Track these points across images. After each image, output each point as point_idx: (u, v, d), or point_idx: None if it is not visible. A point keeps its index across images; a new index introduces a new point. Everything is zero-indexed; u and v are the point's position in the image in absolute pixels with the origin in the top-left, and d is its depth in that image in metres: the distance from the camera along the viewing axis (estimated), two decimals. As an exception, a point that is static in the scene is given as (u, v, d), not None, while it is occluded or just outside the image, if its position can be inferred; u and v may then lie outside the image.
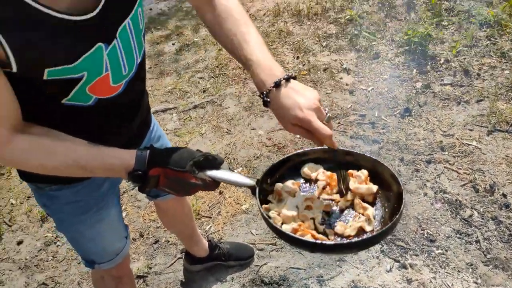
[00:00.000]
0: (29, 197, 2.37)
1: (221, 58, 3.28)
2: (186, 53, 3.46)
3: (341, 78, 2.89)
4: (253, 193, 0.79)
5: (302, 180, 0.87)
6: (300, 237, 0.71)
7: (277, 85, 0.76)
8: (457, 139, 2.31)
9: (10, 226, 2.23)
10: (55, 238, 2.13)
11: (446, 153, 2.24)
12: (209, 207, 2.14)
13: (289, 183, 0.83)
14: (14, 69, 0.68)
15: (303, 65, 3.05)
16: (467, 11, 3.12)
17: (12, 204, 2.36)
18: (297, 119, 0.74)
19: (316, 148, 0.85)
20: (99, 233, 1.13)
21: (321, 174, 0.85)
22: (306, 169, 0.87)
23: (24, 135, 0.75)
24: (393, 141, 2.36)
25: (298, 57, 3.15)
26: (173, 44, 3.61)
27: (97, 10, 0.73)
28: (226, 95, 2.89)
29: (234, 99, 2.85)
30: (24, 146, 0.75)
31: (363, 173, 0.82)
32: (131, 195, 2.28)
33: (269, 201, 0.82)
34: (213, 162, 0.79)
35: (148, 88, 3.12)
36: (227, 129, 2.62)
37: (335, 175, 0.83)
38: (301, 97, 0.75)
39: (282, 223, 0.76)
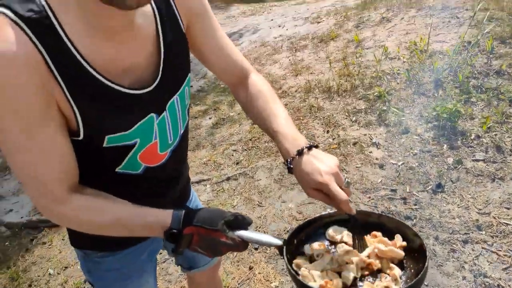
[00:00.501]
0: (66, 267, 2.46)
1: (254, 131, 3.44)
2: (221, 127, 3.67)
3: (370, 152, 2.94)
4: (281, 252, 0.82)
5: (327, 242, 0.90)
6: None
7: (300, 153, 0.83)
8: (494, 217, 2.24)
9: (46, 294, 2.30)
10: (87, 308, 2.17)
11: (484, 232, 2.16)
12: (238, 284, 2.13)
13: (315, 244, 0.86)
14: (81, 136, 0.78)
15: (333, 139, 3.15)
16: (496, 88, 3.17)
17: (50, 274, 2.44)
18: (317, 184, 0.79)
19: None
20: None
21: (345, 236, 0.88)
22: (331, 231, 0.90)
23: (78, 194, 0.82)
24: (426, 218, 2.32)
25: (328, 131, 3.26)
26: (209, 118, 3.85)
27: (153, 86, 0.84)
28: (258, 167, 2.99)
29: (266, 172, 2.94)
30: (77, 204, 0.82)
31: (398, 238, 0.85)
32: (162, 268, 2.32)
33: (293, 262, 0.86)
34: (243, 222, 0.84)
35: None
36: (258, 201, 2.68)
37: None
38: (321, 163, 0.81)
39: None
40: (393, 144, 2.98)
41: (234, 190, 2.84)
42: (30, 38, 0.66)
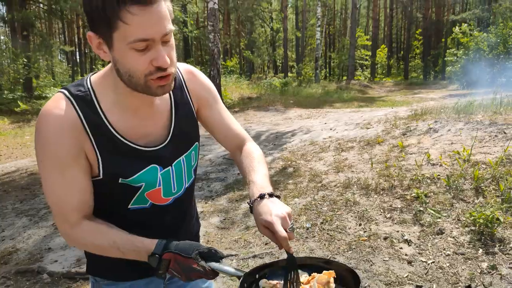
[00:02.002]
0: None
1: (288, 217, 3.56)
2: (258, 210, 3.84)
3: (401, 248, 2.90)
4: (241, 283, 0.96)
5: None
6: None
7: (261, 197, 1.00)
8: (528, 329, 2.06)
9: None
10: None
11: None
12: None
13: (262, 281, 0.98)
14: (101, 176, 1.04)
15: (364, 232, 3.16)
16: (540, 201, 3.08)
17: (75, 318, 2.59)
18: (266, 222, 0.95)
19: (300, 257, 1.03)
20: None
21: (302, 277, 0.99)
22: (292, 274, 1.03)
23: (88, 221, 1.05)
24: (451, 320, 2.19)
25: (360, 224, 3.29)
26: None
27: (159, 146, 1.10)
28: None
29: (292, 254, 2.99)
30: (85, 229, 1.04)
31: (331, 273, 0.96)
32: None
33: None
34: (215, 255, 1.00)
35: (218, 235, 3.46)
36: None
37: (315, 276, 0.97)
38: (274, 207, 0.97)
39: None
40: (426, 243, 2.92)
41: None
42: (75, 108, 0.99)
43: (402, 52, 37.91)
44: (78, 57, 31.13)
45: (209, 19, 10.41)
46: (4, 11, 19.14)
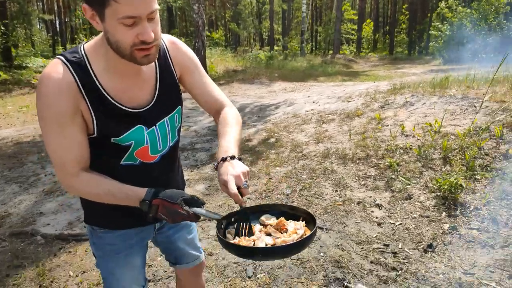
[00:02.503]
0: (84, 272, 2.78)
1: (269, 184, 3.78)
2: (242, 178, 4.05)
3: (372, 212, 3.16)
4: (217, 223, 1.16)
5: (258, 225, 1.24)
6: (239, 244, 1.07)
7: (223, 159, 1.18)
8: (477, 278, 2.34)
9: (62, 292, 2.61)
10: (93, 307, 2.44)
11: (463, 289, 2.26)
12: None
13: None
14: (95, 135, 1.19)
15: (340, 197, 3.40)
16: (500, 169, 3.35)
17: (69, 275, 2.77)
18: (222, 181, 1.13)
19: (266, 204, 1.29)
20: (123, 273, 1.46)
21: (271, 220, 1.20)
22: (263, 217, 1.23)
23: (85, 173, 1.21)
24: (411, 272, 2.46)
25: (336, 191, 3.53)
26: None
27: (144, 109, 1.25)
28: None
29: (272, 217, 3.22)
30: (83, 179, 1.20)
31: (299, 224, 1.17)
32: (164, 283, 2.59)
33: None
34: (197, 201, 1.18)
35: (207, 200, 3.66)
36: (260, 240, 2.93)
37: (281, 220, 1.18)
38: (231, 168, 1.14)
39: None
40: (395, 207, 3.18)
41: (241, 229, 3.12)
42: (71, 72, 1.13)
43: (388, 27, 37.90)
44: (58, 26, 30.12)
45: (194, -10, 10.27)
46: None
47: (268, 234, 1.17)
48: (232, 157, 1.18)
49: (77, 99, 1.13)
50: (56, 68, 1.11)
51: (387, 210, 3.16)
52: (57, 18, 29.44)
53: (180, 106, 1.37)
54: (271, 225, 1.20)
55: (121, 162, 1.28)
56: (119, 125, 1.20)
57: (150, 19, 1.06)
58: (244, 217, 1.19)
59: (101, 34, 1.15)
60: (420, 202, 3.20)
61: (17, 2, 17.29)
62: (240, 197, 1.10)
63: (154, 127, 1.28)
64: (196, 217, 1.17)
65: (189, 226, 1.61)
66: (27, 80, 13.90)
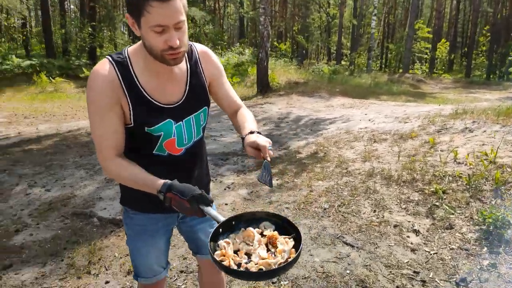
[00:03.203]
0: (127, 255, 3.07)
1: (309, 197, 3.86)
2: (283, 188, 4.16)
3: (408, 237, 3.10)
4: (217, 227, 1.28)
5: (256, 230, 1.32)
6: (222, 263, 1.16)
7: (251, 133, 1.39)
8: (508, 319, 2.23)
9: (107, 269, 2.91)
10: (130, 286, 2.70)
11: (490, 327, 2.17)
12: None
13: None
14: (132, 124, 1.39)
15: (377, 218, 3.38)
16: (557, 209, 3.12)
17: (115, 256, 3.09)
18: (252, 142, 1.32)
19: (261, 211, 1.37)
20: (148, 252, 1.65)
21: (268, 231, 1.30)
22: (262, 224, 1.33)
23: (119, 158, 1.41)
24: (437, 302, 2.40)
25: (375, 211, 3.51)
26: (276, 180, 4.38)
27: (174, 105, 1.45)
28: (300, 224, 3.36)
29: (305, 229, 3.29)
30: (116, 162, 1.40)
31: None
32: (195, 275, 2.78)
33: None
34: (206, 199, 1.31)
35: (243, 205, 3.83)
36: (290, 249, 3.03)
37: (274, 235, 1.27)
38: (258, 137, 1.34)
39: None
40: (433, 235, 3.10)
41: (274, 236, 3.24)
42: (115, 70, 1.35)
43: (466, 48, 35.75)
44: (139, 29, 32.38)
45: (261, 2, 10.63)
46: (76, -18, 20.42)
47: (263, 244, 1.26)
48: (258, 132, 1.40)
49: (118, 93, 1.35)
50: (103, 66, 1.35)
51: (424, 237, 3.09)
52: (139, 22, 31.69)
53: (206, 107, 1.56)
54: (264, 236, 1.29)
55: (153, 152, 1.47)
56: (151, 117, 1.40)
57: (177, 28, 1.25)
58: (267, 170, 1.34)
59: (141, 40, 1.37)
60: (462, 233, 3.08)
61: (105, 7, 19.07)
62: (266, 149, 1.29)
63: (181, 122, 1.47)
64: (202, 213, 1.30)
65: (211, 219, 1.77)
66: (106, 78, 15.18)
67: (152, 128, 1.41)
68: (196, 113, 1.52)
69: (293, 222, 1.33)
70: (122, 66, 1.36)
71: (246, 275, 1.20)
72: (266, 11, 10.46)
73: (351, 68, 23.09)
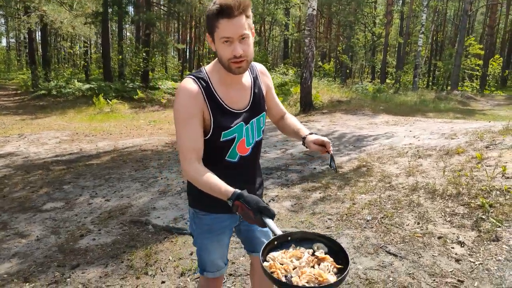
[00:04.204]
0: (180, 258, 3.33)
1: (352, 209, 3.95)
2: (326, 201, 4.28)
3: (452, 248, 3.11)
4: (272, 239, 1.41)
5: (309, 250, 1.40)
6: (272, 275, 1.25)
7: (310, 134, 1.72)
8: (556, 329, 2.21)
9: (162, 271, 3.18)
10: (184, 286, 2.94)
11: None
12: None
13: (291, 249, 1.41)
14: (208, 135, 1.65)
15: (421, 230, 3.41)
16: None
17: (169, 259, 3.35)
18: (316, 140, 1.69)
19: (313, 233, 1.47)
20: (214, 248, 1.86)
21: (319, 252, 1.37)
22: (315, 246, 1.41)
23: (197, 163, 1.64)
24: (482, 310, 2.41)
25: (418, 223, 3.54)
26: (319, 193, 4.51)
27: (244, 110, 1.71)
28: (343, 234, 3.46)
29: (348, 238, 3.39)
30: (195, 167, 1.64)
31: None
32: (243, 279, 2.97)
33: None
34: (268, 211, 1.46)
35: (287, 216, 3.99)
36: (333, 257, 3.14)
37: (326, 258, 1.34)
38: (318, 135, 1.66)
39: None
40: (479, 247, 3.09)
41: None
42: (198, 85, 1.62)
43: (521, 63, 33.92)
44: (188, 54, 34.14)
45: (306, 25, 10.94)
46: (132, 13, 22.04)
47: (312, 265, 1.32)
48: (315, 133, 1.75)
49: (201, 104, 1.62)
50: (188, 82, 1.63)
51: (469, 249, 3.08)
52: (187, 47, 33.42)
53: (265, 112, 1.83)
54: (316, 257, 1.35)
55: (226, 158, 1.72)
56: (227, 121, 1.67)
57: (241, 40, 1.52)
58: (333, 164, 1.69)
59: (216, 59, 1.67)
60: (509, 245, 3.04)
61: (159, 33, 20.35)
62: (330, 144, 1.65)
63: (248, 124, 1.74)
64: (263, 224, 1.45)
65: None
66: (158, 100, 16.13)
67: (229, 130, 1.67)
68: (257, 117, 1.79)
69: (346, 250, 1.35)
70: (203, 82, 1.64)
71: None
72: (311, 33, 10.77)
73: (396, 86, 22.70)
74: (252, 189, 1.60)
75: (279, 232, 1.41)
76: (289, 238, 1.43)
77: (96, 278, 3.10)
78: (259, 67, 1.85)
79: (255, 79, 1.79)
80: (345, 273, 1.23)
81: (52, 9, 12.98)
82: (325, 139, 1.67)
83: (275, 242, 1.40)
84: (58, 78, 19.80)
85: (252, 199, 1.46)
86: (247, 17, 1.51)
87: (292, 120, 1.93)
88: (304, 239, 1.45)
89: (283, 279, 1.25)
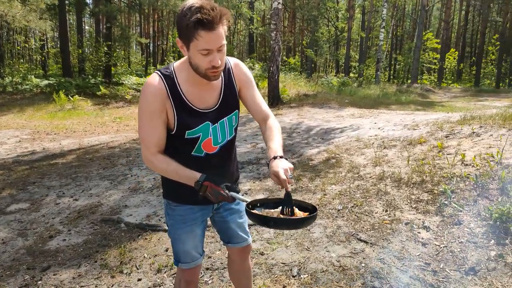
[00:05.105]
0: (156, 255, 3.31)
1: (323, 200, 4.06)
2: (298, 193, 4.37)
3: (419, 233, 3.28)
4: (246, 205, 1.56)
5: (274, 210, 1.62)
6: (265, 215, 1.46)
7: (274, 158, 1.59)
8: (514, 303, 2.40)
9: (138, 268, 3.15)
10: (161, 283, 2.93)
11: (496, 310, 2.34)
12: (271, 291, 2.66)
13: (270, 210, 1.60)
14: (174, 131, 1.66)
15: (389, 217, 3.57)
16: (561, 204, 3.27)
17: (144, 256, 3.32)
18: (274, 171, 1.52)
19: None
20: (187, 238, 1.89)
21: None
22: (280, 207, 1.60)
23: (161, 154, 1.68)
24: (448, 289, 2.58)
25: (386, 211, 3.70)
26: (291, 185, 4.60)
27: (211, 110, 1.71)
28: (316, 224, 3.57)
29: (321, 228, 3.49)
30: (159, 158, 1.67)
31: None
32: (220, 272, 3.00)
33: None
34: (235, 188, 1.60)
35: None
36: (307, 247, 3.23)
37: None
38: (281, 163, 1.55)
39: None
40: (443, 231, 3.28)
41: (291, 235, 3.45)
42: (163, 82, 1.62)
43: (474, 57, 35.77)
44: (151, 48, 33.38)
45: (272, 19, 11.01)
46: (91, 5, 21.26)
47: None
48: (281, 157, 1.60)
49: (165, 101, 1.62)
50: (154, 79, 1.64)
51: (434, 233, 3.27)
52: (151, 41, 32.68)
53: (237, 110, 1.82)
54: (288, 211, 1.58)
55: (192, 153, 1.73)
56: (192, 120, 1.67)
57: (219, 50, 1.52)
58: (288, 201, 1.57)
59: (186, 57, 1.64)
60: (470, 228, 3.25)
61: (120, 27, 19.75)
62: (287, 183, 1.50)
63: (216, 124, 1.74)
64: (232, 199, 1.59)
65: (240, 212, 2.00)
66: (122, 96, 15.71)
67: (193, 130, 1.67)
68: (228, 116, 1.78)
69: (312, 204, 1.60)
70: (169, 79, 1.64)
71: (288, 221, 1.50)
72: (277, 27, 10.84)
73: (360, 80, 23.33)
74: (222, 182, 1.63)
75: (248, 199, 1.59)
76: (258, 204, 1.64)
77: (69, 279, 3.02)
78: (233, 61, 1.80)
79: (227, 76, 1.75)
80: (316, 212, 1.54)
81: (2, 1, 12.27)
82: (282, 175, 1.48)
83: (249, 207, 1.58)
84: (13, 74, 18.81)
85: (218, 179, 1.61)
86: (224, 25, 1.51)
87: (268, 134, 1.77)
88: (272, 203, 1.65)
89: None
